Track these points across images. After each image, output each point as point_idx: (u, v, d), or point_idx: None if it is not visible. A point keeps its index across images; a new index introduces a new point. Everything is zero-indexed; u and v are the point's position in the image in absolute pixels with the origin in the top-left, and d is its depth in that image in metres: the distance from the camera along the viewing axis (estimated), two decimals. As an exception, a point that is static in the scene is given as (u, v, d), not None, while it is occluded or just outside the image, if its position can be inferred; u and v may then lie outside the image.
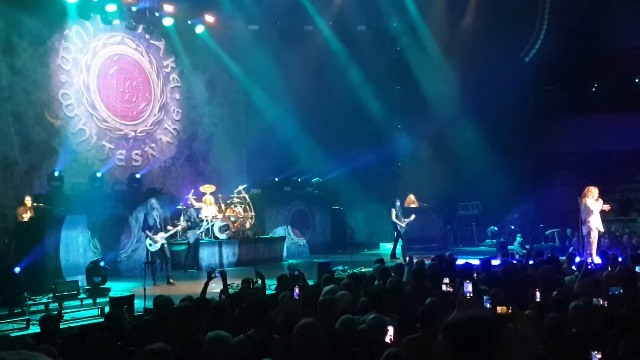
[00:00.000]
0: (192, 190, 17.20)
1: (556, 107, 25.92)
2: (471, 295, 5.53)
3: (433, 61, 21.83)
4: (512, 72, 21.78)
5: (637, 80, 25.52)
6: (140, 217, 15.71)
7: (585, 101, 25.62)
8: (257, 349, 5.07)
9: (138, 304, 9.61)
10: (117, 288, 11.69)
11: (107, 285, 11.44)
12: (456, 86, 21.37)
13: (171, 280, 13.27)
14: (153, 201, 14.04)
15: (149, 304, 8.82)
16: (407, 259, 13.36)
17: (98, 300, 10.58)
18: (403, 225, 16.77)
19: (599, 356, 4.23)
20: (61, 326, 7.45)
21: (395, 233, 17.14)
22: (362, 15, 21.69)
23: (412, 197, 20.15)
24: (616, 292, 6.49)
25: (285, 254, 18.28)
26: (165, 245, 13.93)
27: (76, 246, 12.73)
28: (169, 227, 14.14)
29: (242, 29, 19.85)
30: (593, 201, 13.40)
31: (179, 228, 15.64)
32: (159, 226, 13.79)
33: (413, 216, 17.22)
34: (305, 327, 4.86)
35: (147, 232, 13.63)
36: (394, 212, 16.94)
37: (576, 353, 4.97)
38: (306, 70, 19.98)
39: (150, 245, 13.62)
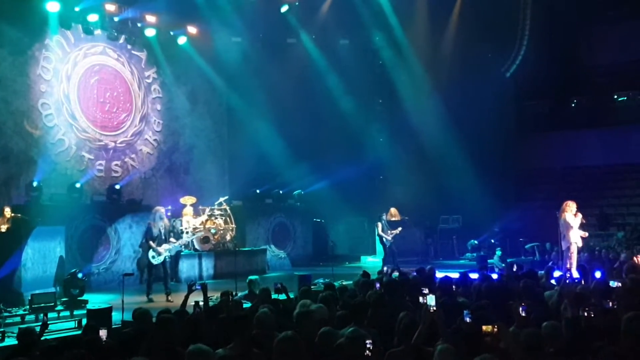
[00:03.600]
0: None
1: (536, 122, 26.23)
2: (434, 308, 5.52)
3: (415, 75, 21.98)
4: (493, 87, 21.96)
5: (616, 96, 25.88)
6: (120, 228, 15.63)
7: (565, 116, 25.93)
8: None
9: (116, 317, 9.51)
10: (95, 300, 11.57)
11: (85, 297, 11.32)
12: (437, 100, 21.49)
13: (169, 299, 12.60)
14: (162, 210, 13.60)
15: (127, 316, 8.73)
16: (385, 270, 13.35)
17: (75, 312, 10.46)
18: (389, 238, 16.76)
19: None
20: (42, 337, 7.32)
21: (382, 246, 17.13)
22: (345, 29, 21.82)
23: (394, 210, 20.18)
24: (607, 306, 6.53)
25: (266, 266, 18.23)
26: (168, 259, 13.62)
27: (54, 257, 12.55)
28: (171, 240, 13.78)
29: (224, 41, 19.83)
30: (572, 216, 13.50)
31: (185, 240, 15.54)
32: (163, 237, 13.30)
33: (399, 229, 17.20)
34: (285, 340, 4.83)
35: (151, 242, 13.14)
36: (380, 225, 16.93)
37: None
38: (289, 82, 20.03)
39: (153, 257, 13.13)
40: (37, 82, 15.90)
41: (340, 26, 21.57)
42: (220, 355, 5.03)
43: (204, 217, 17.17)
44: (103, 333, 6.15)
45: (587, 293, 7.61)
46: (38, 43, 15.96)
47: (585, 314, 6.14)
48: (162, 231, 13.35)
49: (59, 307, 10.57)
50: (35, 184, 14.44)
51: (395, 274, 11.20)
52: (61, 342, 6.69)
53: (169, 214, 16.75)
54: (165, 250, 13.26)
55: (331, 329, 5.51)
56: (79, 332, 8.47)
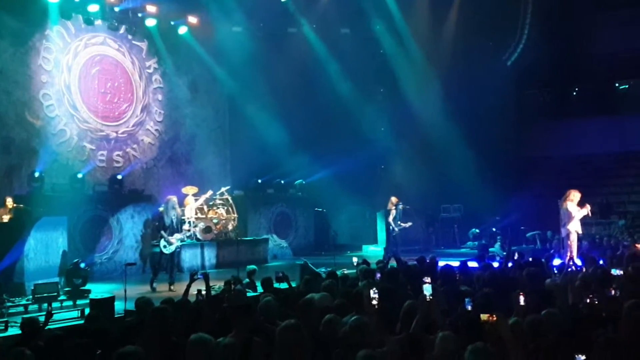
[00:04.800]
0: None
1: (537, 111, 26.23)
2: (431, 297, 5.54)
3: (416, 64, 21.93)
4: (494, 76, 21.91)
5: (617, 85, 25.84)
6: (122, 218, 15.66)
7: (566, 105, 25.94)
8: (239, 351, 5.06)
9: (119, 306, 9.55)
10: (98, 290, 11.61)
11: (88, 287, 11.36)
12: (439, 89, 21.47)
13: (172, 288, 12.63)
14: (174, 199, 13.60)
15: (130, 305, 8.77)
16: (386, 260, 13.38)
17: (78, 302, 10.50)
18: (396, 229, 16.70)
19: (583, 358, 4.20)
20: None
21: (386, 234, 17.07)
22: (346, 18, 21.72)
23: (394, 199, 20.15)
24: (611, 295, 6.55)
25: (268, 256, 18.29)
26: (178, 249, 13.65)
27: (56, 248, 12.59)
28: (185, 228, 13.80)
29: (225, 31, 19.78)
30: (574, 205, 13.46)
31: (197, 229, 15.56)
32: (175, 227, 13.32)
33: (409, 223, 17.13)
34: (287, 328, 4.85)
35: (162, 232, 13.17)
36: (393, 213, 16.84)
37: (559, 356, 4.99)
38: (290, 72, 19.96)
39: (164, 247, 13.13)
40: (38, 73, 15.88)
41: (341, 15, 21.47)
42: (221, 343, 5.05)
43: (201, 202, 17.12)
44: None
45: (589, 281, 7.63)
46: (38, 34, 15.93)
47: (588, 301, 6.17)
48: (174, 220, 13.37)
49: (62, 297, 10.62)
50: (37, 174, 14.45)
51: (393, 262, 11.23)
52: (66, 331, 6.74)
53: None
54: (177, 240, 13.30)
55: (335, 316, 5.53)
56: (82, 321, 8.52)
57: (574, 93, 26.40)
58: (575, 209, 13.41)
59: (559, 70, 24.82)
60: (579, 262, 11.86)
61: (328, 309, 6.00)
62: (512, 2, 23.00)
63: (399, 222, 16.75)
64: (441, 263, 10.39)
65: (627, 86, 25.91)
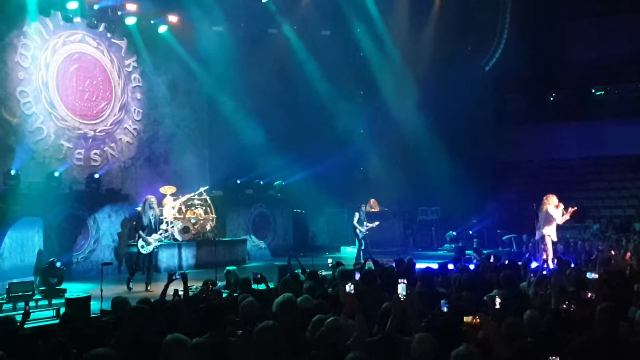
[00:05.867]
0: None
1: (515, 116, 26.51)
2: (404, 297, 5.56)
3: (395, 68, 22.05)
4: (473, 81, 22.11)
5: (593, 90, 26.18)
6: (99, 217, 15.56)
7: (543, 110, 26.23)
8: (214, 352, 5.06)
9: (95, 306, 9.49)
10: (74, 289, 11.52)
11: (64, 286, 11.27)
12: (417, 92, 21.59)
13: (149, 288, 12.59)
14: (152, 199, 13.54)
15: (106, 305, 8.72)
16: (363, 261, 13.43)
17: (54, 301, 10.41)
18: (363, 230, 16.80)
19: (557, 360, 4.26)
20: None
21: (355, 237, 17.20)
22: (327, 20, 21.76)
23: (373, 201, 20.28)
24: (587, 297, 6.62)
25: (247, 256, 18.24)
26: (156, 250, 13.59)
27: (32, 246, 12.47)
28: (162, 227, 13.78)
29: (205, 30, 19.70)
30: (554, 208, 13.61)
31: (175, 230, 15.51)
32: (153, 227, 13.26)
33: (376, 223, 17.23)
34: (264, 330, 4.85)
35: (141, 232, 13.10)
36: (357, 216, 16.95)
37: (535, 358, 5.05)
38: (269, 72, 19.94)
39: (142, 247, 13.08)
40: (15, 70, 15.68)
41: (322, 17, 21.51)
42: (199, 343, 5.05)
43: (180, 203, 17.07)
44: None
45: (564, 284, 7.72)
46: (16, 30, 15.72)
47: (565, 306, 6.24)
48: (152, 220, 13.32)
49: (37, 296, 10.53)
50: (13, 172, 14.30)
51: (370, 264, 11.28)
52: (37, 331, 6.67)
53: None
54: (155, 240, 13.23)
55: (324, 316, 5.52)
56: (57, 321, 8.45)
57: (551, 98, 26.70)
58: (555, 212, 13.54)
59: (537, 76, 25.14)
60: (552, 265, 11.99)
61: (308, 311, 6.01)
62: (491, 8, 23.21)
63: (365, 224, 16.86)
64: (420, 265, 10.45)
65: (603, 92, 26.25)
